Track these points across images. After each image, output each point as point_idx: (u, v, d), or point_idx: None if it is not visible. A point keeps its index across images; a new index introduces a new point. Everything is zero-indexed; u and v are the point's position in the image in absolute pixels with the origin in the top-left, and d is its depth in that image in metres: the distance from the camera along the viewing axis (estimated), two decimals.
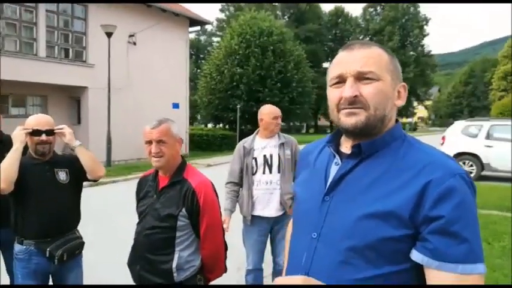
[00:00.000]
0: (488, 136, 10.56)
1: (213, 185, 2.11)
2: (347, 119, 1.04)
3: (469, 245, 0.91)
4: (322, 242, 1.04)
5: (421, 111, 66.96)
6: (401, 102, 1.10)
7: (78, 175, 2.54)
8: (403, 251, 0.95)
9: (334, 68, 1.09)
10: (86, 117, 13.72)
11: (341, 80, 1.05)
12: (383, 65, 1.05)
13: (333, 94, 1.07)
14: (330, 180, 1.09)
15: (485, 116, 25.42)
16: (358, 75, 1.03)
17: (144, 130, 2.02)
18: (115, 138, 12.92)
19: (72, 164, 2.52)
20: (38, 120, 2.41)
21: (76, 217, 2.59)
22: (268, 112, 3.22)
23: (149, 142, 2.00)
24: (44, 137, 2.38)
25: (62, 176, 2.48)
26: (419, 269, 0.95)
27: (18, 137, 2.34)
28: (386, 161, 1.03)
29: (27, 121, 2.41)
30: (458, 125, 11.53)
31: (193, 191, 1.99)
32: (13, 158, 2.28)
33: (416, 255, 0.94)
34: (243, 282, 3.60)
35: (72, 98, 14.17)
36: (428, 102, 63.13)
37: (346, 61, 1.06)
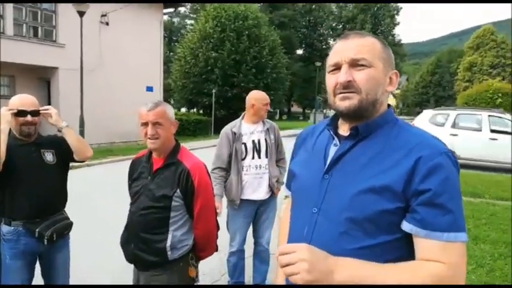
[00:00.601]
0: (454, 125, 11.05)
1: (206, 167, 2.18)
2: (341, 103, 1.14)
3: (453, 215, 1.02)
4: (323, 216, 1.14)
5: (390, 99, 68.42)
6: (392, 88, 1.20)
7: (65, 156, 2.53)
8: (396, 223, 1.06)
9: (331, 56, 1.19)
10: (56, 99, 13.28)
11: (337, 67, 1.15)
12: (376, 53, 1.14)
13: (330, 80, 1.18)
14: (329, 159, 1.19)
15: (451, 105, 26.37)
16: (352, 62, 1.12)
17: (140, 112, 2.04)
18: (87, 121, 12.61)
19: (59, 144, 2.51)
20: (22, 100, 2.37)
21: (63, 198, 2.59)
22: (260, 98, 3.27)
23: (145, 124, 2.02)
24: (29, 117, 2.35)
25: (49, 156, 2.47)
26: (409, 237, 1.06)
27: (4, 117, 2.29)
28: (381, 142, 1.13)
29: (11, 101, 2.37)
30: (426, 113, 11.98)
31: (187, 172, 2.04)
32: (0, 139, 2.26)
33: (406, 226, 1.04)
34: (223, 264, 3.70)
35: (41, 79, 13.67)
36: (396, 91, 64.66)
37: (341, 49, 1.16)
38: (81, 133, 12.24)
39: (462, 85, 39.08)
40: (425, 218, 1.01)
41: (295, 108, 54.78)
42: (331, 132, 1.24)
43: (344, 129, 1.22)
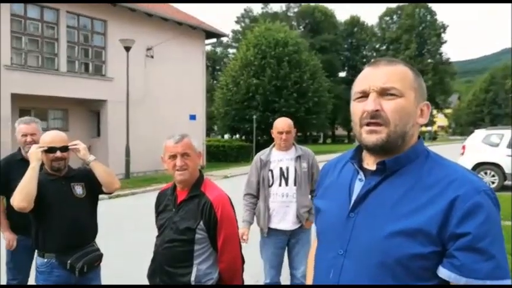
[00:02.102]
0: (510, 145, 10.31)
1: (229, 198, 2.14)
2: (368, 137, 1.05)
3: (496, 261, 0.91)
4: (349, 259, 1.05)
5: (440, 119, 65.75)
6: (423, 121, 1.10)
7: (94, 188, 2.60)
8: (431, 268, 0.96)
9: (358, 83, 1.11)
10: (105, 129, 13.99)
11: (364, 95, 1.07)
12: (407, 82, 1.06)
13: (356, 108, 1.09)
14: (354, 196, 1.10)
15: (508, 124, 24.80)
16: (381, 91, 1.04)
17: (166, 145, 2.05)
18: (133, 150, 13.10)
19: (88, 177, 2.59)
20: (52, 137, 2.49)
21: (93, 229, 2.65)
22: (275, 126, 3.25)
23: (173, 156, 2.03)
24: (58, 153, 2.46)
25: (79, 190, 2.55)
26: (446, 284, 0.96)
27: (35, 155, 2.41)
28: (411, 178, 1.03)
29: (42, 139, 2.50)
30: (479, 133, 11.29)
31: (210, 204, 2.02)
32: (31, 176, 2.35)
33: (443, 272, 0.95)
34: None
35: (92, 111, 14.49)
36: (448, 111, 62.00)
37: (370, 77, 1.08)
38: (127, 162, 12.73)
39: None
40: (465, 264, 0.92)
41: (340, 131, 54.00)
42: (356, 166, 1.14)
43: (369, 163, 1.12)
